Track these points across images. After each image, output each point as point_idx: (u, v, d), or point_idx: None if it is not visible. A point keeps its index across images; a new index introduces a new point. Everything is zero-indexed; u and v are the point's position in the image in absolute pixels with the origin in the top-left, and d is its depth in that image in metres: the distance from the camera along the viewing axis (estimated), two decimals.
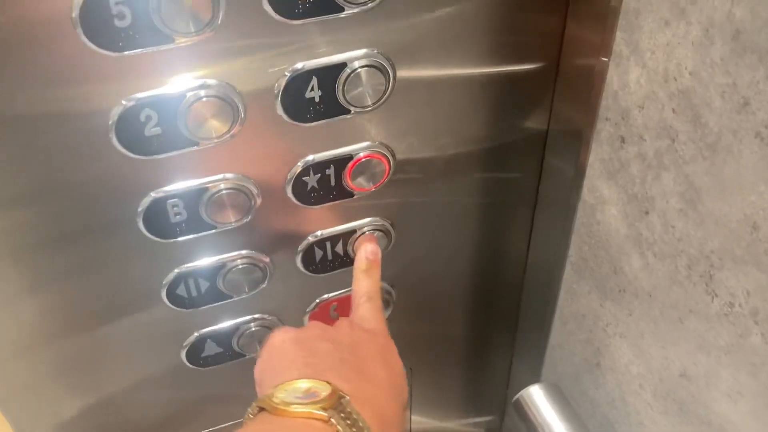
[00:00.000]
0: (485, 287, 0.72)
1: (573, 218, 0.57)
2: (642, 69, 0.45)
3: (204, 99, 0.47)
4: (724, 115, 0.39)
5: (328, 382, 0.44)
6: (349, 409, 0.42)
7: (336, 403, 0.42)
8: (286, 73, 0.49)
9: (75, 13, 0.41)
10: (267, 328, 0.63)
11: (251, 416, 0.44)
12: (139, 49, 0.44)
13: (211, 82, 0.47)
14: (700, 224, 0.43)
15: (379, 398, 0.47)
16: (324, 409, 0.41)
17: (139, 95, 0.46)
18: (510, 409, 0.90)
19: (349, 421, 0.41)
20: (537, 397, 0.55)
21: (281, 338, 0.52)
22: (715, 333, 0.45)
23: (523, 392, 0.56)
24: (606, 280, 0.55)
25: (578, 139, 0.53)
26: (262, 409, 0.43)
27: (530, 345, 0.72)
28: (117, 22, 0.42)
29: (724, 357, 0.45)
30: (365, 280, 0.58)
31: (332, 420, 0.41)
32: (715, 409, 0.47)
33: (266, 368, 0.52)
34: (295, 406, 0.42)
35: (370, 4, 0.47)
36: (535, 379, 0.71)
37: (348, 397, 0.43)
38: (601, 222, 0.53)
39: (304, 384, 0.44)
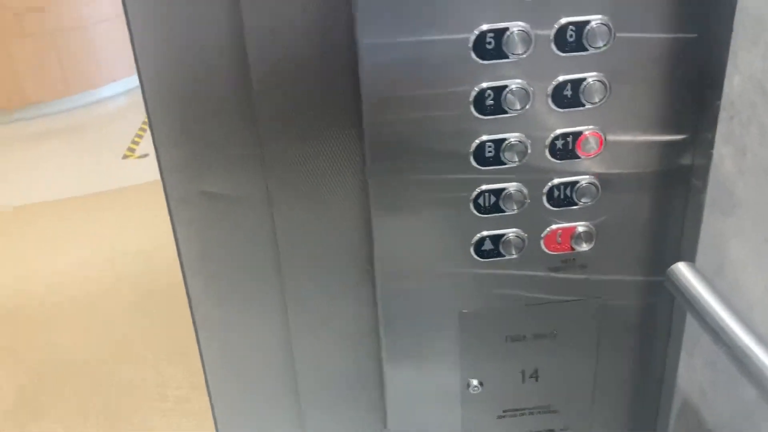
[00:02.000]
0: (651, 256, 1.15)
1: (707, 175, 1.01)
2: (740, 77, 0.91)
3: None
4: None
5: None
6: None
7: None
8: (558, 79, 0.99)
9: (470, 43, 0.96)
10: (519, 239, 1.10)
11: None
12: (495, 60, 0.97)
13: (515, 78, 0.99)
14: None
15: None
16: None
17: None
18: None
19: None
20: (686, 270, 0.96)
21: None
22: None
23: (673, 266, 0.97)
24: (725, 204, 0.97)
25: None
26: None
27: None
28: (487, 46, 0.96)
29: None
30: None
31: None
32: None
33: None
34: None
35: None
36: None
37: None
38: (720, 169, 0.97)
39: None
